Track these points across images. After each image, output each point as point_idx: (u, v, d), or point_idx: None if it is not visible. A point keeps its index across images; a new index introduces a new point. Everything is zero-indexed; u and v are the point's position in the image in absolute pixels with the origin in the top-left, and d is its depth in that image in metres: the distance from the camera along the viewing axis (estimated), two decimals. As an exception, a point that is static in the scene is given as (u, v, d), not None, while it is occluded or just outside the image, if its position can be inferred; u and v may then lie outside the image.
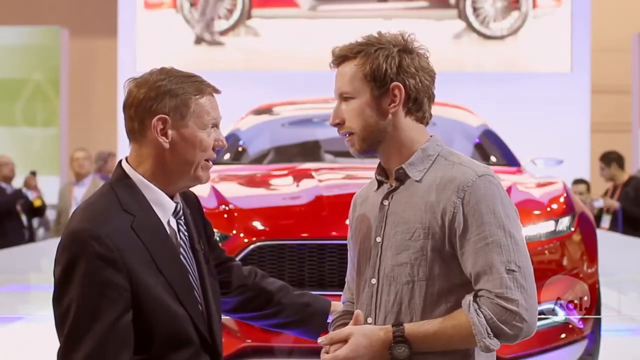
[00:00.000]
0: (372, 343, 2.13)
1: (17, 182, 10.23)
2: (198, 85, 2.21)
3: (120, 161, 2.24)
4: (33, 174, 10.40)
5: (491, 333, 2.07)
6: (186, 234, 2.26)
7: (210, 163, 2.24)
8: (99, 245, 2.07)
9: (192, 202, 2.37)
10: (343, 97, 2.23)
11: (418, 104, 2.21)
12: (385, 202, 2.23)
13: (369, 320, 2.22)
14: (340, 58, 2.23)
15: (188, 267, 2.23)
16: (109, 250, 2.08)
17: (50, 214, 10.61)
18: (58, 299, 2.11)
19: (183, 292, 2.18)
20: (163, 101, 2.17)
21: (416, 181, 2.19)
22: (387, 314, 2.19)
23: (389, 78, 2.17)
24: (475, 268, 2.09)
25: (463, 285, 2.14)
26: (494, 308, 2.07)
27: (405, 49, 2.20)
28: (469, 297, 2.09)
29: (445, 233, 2.13)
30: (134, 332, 2.11)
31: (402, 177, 2.22)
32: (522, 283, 2.09)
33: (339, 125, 2.25)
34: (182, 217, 2.26)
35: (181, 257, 2.22)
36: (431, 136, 2.25)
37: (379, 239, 2.22)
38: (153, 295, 2.12)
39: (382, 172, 2.28)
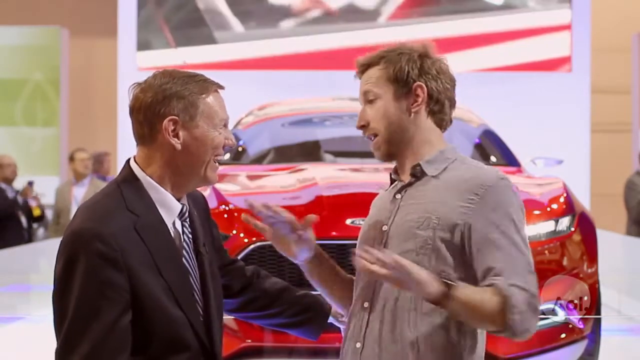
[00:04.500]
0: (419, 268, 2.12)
1: (18, 183, 10.17)
2: (202, 84, 2.22)
3: (129, 160, 2.24)
4: (30, 184, 10.26)
5: (521, 313, 2.10)
6: (190, 236, 2.26)
7: (217, 165, 2.25)
8: (101, 244, 2.07)
9: (199, 203, 2.37)
10: (368, 99, 2.30)
11: (440, 105, 2.28)
12: (398, 196, 2.28)
13: (365, 304, 2.25)
14: (364, 66, 2.32)
15: (190, 270, 2.23)
16: (111, 250, 2.07)
17: (50, 214, 10.60)
18: (58, 297, 2.11)
19: (182, 296, 2.17)
20: (171, 104, 2.17)
21: (432, 177, 2.25)
22: (386, 300, 2.21)
23: (411, 79, 2.26)
24: (498, 263, 2.13)
25: (465, 280, 2.16)
26: (523, 298, 2.11)
27: (426, 54, 2.29)
28: (501, 279, 2.12)
29: (457, 226, 2.16)
30: (132, 334, 2.10)
31: (418, 174, 2.27)
32: (537, 285, 2.16)
33: (364, 127, 2.32)
34: (188, 219, 2.26)
35: (183, 259, 2.22)
36: (449, 144, 2.32)
37: (385, 228, 2.26)
38: (153, 297, 2.11)
39: (397, 172, 2.34)
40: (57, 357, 2.10)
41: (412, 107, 2.26)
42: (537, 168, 6.36)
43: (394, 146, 2.28)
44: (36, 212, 9.85)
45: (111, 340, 2.06)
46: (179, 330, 2.15)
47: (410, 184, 2.27)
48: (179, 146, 2.18)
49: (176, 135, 2.18)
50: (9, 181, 9.73)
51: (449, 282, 2.10)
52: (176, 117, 2.17)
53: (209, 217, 2.40)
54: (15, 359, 5.78)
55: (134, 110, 2.21)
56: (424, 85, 2.26)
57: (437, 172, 2.25)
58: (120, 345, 2.08)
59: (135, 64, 12.34)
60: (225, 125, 2.25)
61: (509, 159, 5.72)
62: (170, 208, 2.21)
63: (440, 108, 2.28)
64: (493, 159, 5.71)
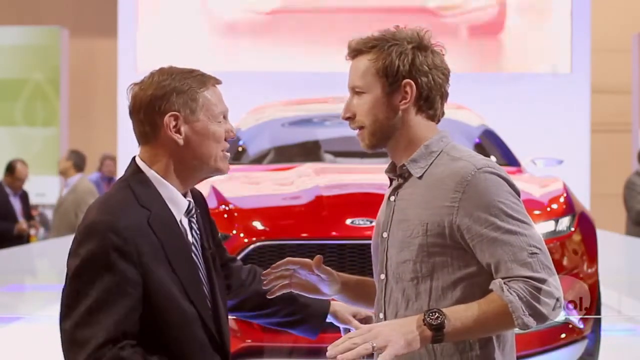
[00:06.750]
0: (399, 321, 2.09)
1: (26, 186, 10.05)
2: (200, 79, 2.24)
3: (134, 158, 2.26)
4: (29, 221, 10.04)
5: (526, 311, 2.06)
6: (197, 232, 2.28)
7: (227, 153, 2.28)
8: (115, 237, 2.09)
9: (199, 201, 2.38)
10: (355, 92, 2.24)
11: (430, 101, 2.21)
12: (392, 198, 2.25)
13: (380, 315, 2.23)
14: (355, 51, 2.24)
15: (198, 265, 2.25)
16: (126, 244, 2.09)
17: (50, 214, 10.59)
18: (72, 290, 2.11)
19: (193, 290, 2.19)
20: (170, 99, 2.19)
21: (418, 178, 2.20)
22: (397, 310, 2.20)
23: (401, 75, 2.18)
24: (494, 257, 2.09)
25: (467, 278, 2.14)
26: (526, 289, 2.06)
27: (419, 46, 2.20)
28: (498, 281, 2.08)
29: (446, 228, 2.13)
30: (147, 330, 2.12)
31: (405, 174, 2.23)
32: (547, 264, 2.11)
33: (350, 119, 2.25)
34: (194, 216, 2.28)
35: (192, 255, 2.24)
36: (439, 132, 2.25)
37: (385, 235, 2.24)
38: (166, 291, 2.14)
39: (392, 168, 2.28)
40: (68, 346, 2.10)
41: (400, 104, 2.19)
42: (537, 168, 6.36)
43: (379, 139, 2.23)
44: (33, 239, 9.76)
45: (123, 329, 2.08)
46: (191, 325, 2.17)
47: (400, 185, 2.24)
48: (181, 141, 2.20)
49: (178, 131, 2.20)
50: (16, 189, 9.68)
51: (433, 320, 2.04)
52: (177, 113, 2.19)
53: (208, 214, 2.42)
54: (15, 359, 5.78)
55: (134, 110, 2.22)
56: (413, 83, 2.18)
57: (422, 170, 2.19)
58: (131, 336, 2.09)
59: (135, 64, 12.33)
60: (225, 117, 2.27)
61: (509, 159, 5.72)
62: (178, 204, 2.23)
63: (430, 104, 2.20)
64: (493, 159, 5.71)
